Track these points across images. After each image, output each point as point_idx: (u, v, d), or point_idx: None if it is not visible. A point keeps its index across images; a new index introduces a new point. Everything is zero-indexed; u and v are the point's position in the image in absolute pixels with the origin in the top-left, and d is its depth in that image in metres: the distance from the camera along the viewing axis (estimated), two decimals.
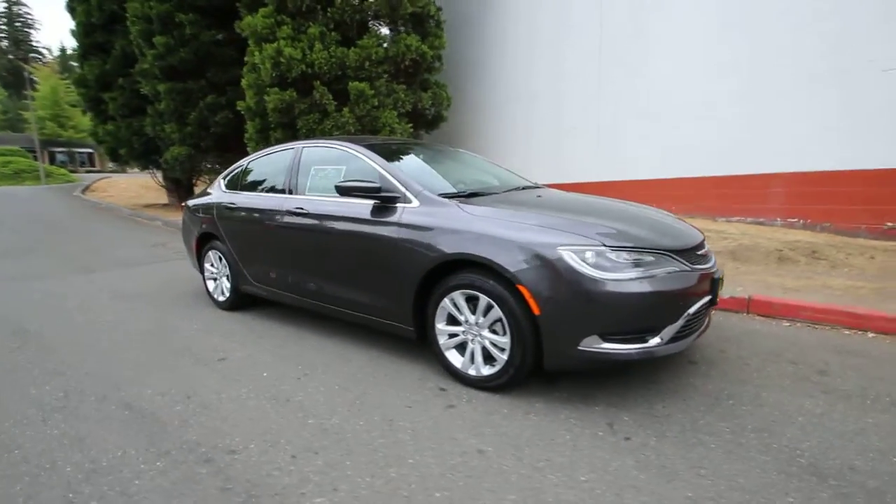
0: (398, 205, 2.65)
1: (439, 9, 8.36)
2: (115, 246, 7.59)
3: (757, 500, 1.60)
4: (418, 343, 2.72)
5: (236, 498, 1.67)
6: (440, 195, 2.61)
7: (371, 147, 3.01)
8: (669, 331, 2.15)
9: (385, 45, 7.71)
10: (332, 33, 7.62)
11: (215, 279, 4.05)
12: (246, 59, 7.94)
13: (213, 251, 3.98)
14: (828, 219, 5.28)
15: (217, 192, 4.01)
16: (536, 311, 2.12)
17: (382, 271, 2.67)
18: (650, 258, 2.16)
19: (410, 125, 8.21)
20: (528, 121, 8.78)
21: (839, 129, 5.06)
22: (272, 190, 3.47)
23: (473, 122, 9.76)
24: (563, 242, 2.12)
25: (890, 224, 4.79)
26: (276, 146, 3.68)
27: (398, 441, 1.99)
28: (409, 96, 7.91)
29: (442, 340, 2.52)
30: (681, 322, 2.18)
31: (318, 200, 3.08)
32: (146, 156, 11.57)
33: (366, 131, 7.70)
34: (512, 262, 2.16)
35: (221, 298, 3.98)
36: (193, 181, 12.35)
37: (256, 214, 3.48)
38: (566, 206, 2.65)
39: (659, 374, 2.53)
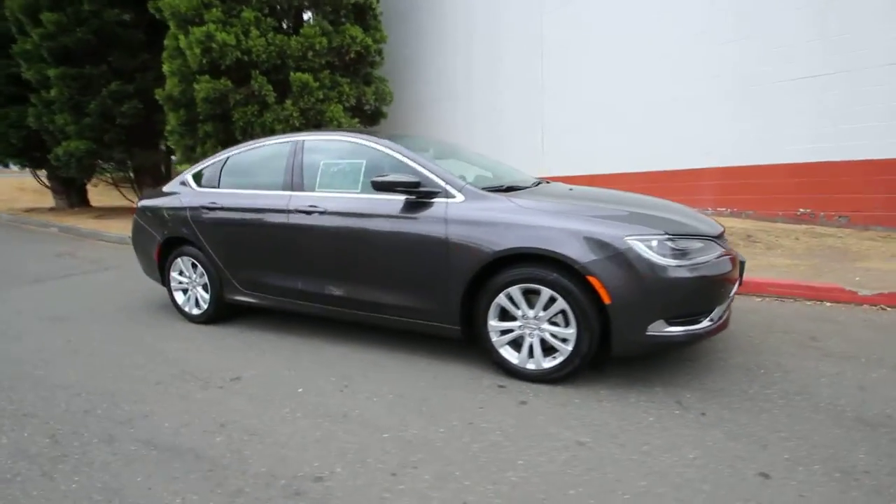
0: (437, 200, 2.54)
1: (377, 1, 8.12)
2: (10, 259, 6.35)
3: (839, 452, 1.79)
4: (465, 343, 2.64)
5: None
6: (483, 189, 2.55)
7: (393, 139, 2.85)
8: (718, 311, 2.33)
9: (326, 33, 7.30)
10: (268, 19, 7.07)
11: (186, 290, 3.56)
12: (166, 42, 7.07)
13: (184, 258, 3.48)
14: (750, 207, 6.05)
15: (186, 191, 3.51)
16: (607, 300, 2.16)
17: (425, 270, 2.54)
18: (700, 244, 2.31)
19: (357, 120, 7.92)
20: (467, 118, 8.88)
21: (757, 131, 5.84)
22: (270, 187, 3.12)
23: (411, 119, 9.64)
24: (630, 233, 2.19)
25: (802, 210, 5.63)
26: (267, 138, 3.32)
27: (494, 443, 1.92)
28: (353, 90, 7.60)
29: (494, 338, 2.47)
30: (727, 303, 2.37)
31: (335, 197, 2.84)
32: (26, 152, 9.78)
33: (310, 125, 7.25)
34: (580, 254, 2.18)
35: (196, 311, 3.51)
36: (87, 180, 10.71)
37: (250, 215, 3.12)
38: (604, 199, 2.72)
39: (689, 353, 2.72)
